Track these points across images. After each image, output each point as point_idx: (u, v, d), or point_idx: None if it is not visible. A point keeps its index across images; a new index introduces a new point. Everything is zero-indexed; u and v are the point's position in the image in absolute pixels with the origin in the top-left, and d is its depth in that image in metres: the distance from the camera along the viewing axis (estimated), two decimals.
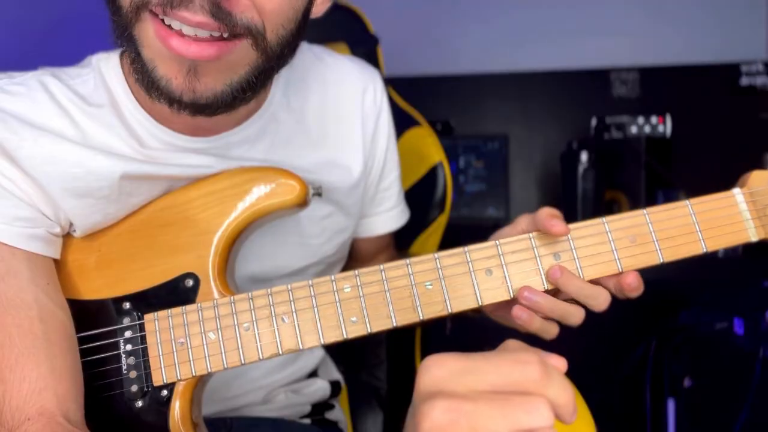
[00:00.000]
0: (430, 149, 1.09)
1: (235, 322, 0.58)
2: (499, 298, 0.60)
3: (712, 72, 2.10)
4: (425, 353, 1.02)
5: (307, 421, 0.84)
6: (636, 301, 0.57)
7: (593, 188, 1.83)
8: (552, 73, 2.19)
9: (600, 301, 0.59)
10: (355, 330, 0.57)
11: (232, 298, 0.59)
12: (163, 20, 0.53)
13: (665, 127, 2.00)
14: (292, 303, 0.58)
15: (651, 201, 1.87)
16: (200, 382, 0.61)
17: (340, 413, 0.90)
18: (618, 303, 0.60)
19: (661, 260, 0.58)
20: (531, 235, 0.60)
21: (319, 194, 0.68)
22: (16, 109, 0.62)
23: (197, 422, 0.61)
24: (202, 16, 0.51)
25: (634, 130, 2.01)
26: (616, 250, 0.58)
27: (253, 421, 0.79)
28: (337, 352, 0.96)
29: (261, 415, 0.80)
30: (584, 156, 1.83)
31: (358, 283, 0.58)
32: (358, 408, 0.99)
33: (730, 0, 2.11)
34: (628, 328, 1.80)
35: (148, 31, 0.54)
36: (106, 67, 0.67)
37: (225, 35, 0.53)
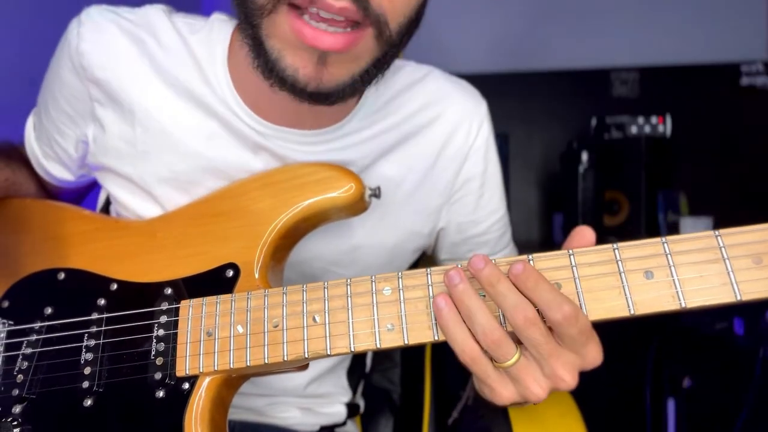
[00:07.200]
0: None
1: (265, 317, 0.56)
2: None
3: (712, 72, 2.10)
4: (435, 357, 0.99)
5: None
6: None
7: (593, 188, 1.82)
8: (552, 73, 2.19)
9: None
10: (390, 339, 0.52)
11: (266, 291, 0.57)
12: (299, 11, 0.53)
13: (665, 127, 2.00)
14: (326, 302, 0.54)
15: (651, 201, 1.87)
16: (229, 383, 0.58)
17: (352, 428, 0.87)
18: None
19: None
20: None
21: (376, 196, 0.64)
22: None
23: (220, 427, 0.57)
24: (345, 1, 0.52)
25: (634, 130, 2.01)
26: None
27: (257, 428, 0.77)
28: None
29: (265, 422, 0.78)
30: (584, 156, 1.83)
31: (400, 286, 0.53)
32: (368, 412, 0.94)
33: (730, 0, 2.11)
34: (629, 328, 1.80)
35: (281, 23, 0.54)
36: (219, 31, 0.67)
37: (357, 21, 0.53)
